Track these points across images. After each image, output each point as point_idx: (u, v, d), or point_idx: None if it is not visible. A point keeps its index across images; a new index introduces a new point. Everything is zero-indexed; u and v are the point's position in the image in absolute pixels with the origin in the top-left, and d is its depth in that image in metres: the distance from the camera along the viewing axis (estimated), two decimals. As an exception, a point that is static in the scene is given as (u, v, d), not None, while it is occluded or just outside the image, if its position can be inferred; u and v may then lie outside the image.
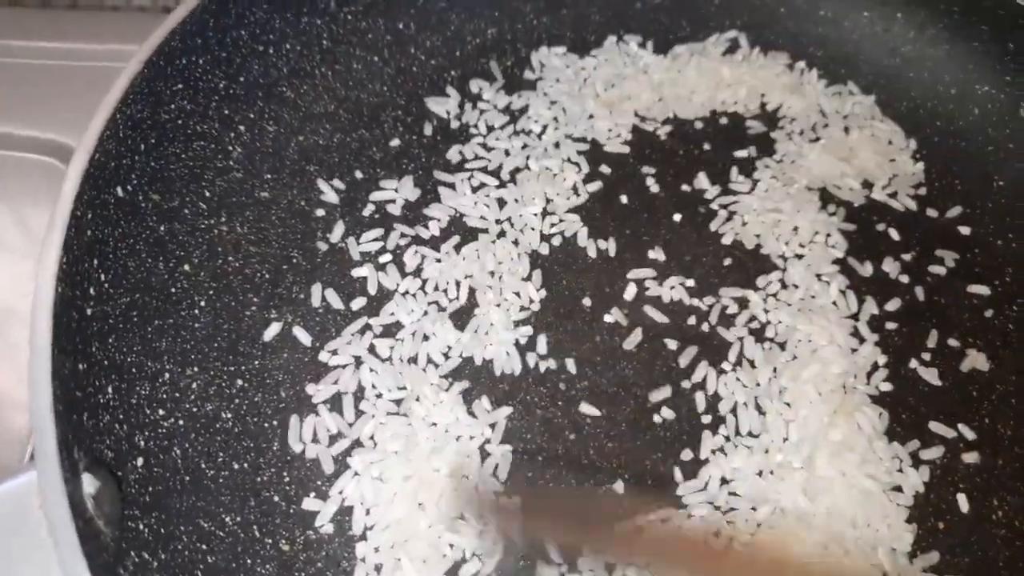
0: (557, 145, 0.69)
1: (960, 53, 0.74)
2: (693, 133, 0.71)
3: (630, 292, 0.61)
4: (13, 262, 0.70)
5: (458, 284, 0.61)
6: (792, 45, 0.77)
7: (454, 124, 0.69)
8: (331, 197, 0.64)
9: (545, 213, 0.65)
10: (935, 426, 0.57)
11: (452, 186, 0.66)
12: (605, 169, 0.68)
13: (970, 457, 0.56)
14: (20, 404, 0.62)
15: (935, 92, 0.74)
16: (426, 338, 0.58)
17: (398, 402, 0.55)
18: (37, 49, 0.81)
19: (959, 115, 0.73)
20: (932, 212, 0.68)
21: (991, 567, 0.52)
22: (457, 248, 0.63)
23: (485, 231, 0.64)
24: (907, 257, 0.65)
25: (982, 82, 0.72)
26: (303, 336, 0.58)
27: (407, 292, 0.60)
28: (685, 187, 0.67)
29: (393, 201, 0.65)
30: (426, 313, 0.59)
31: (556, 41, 0.75)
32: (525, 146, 0.69)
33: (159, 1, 0.87)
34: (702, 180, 0.68)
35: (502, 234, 0.64)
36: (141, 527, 0.44)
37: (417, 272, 0.61)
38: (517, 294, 0.61)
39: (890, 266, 0.64)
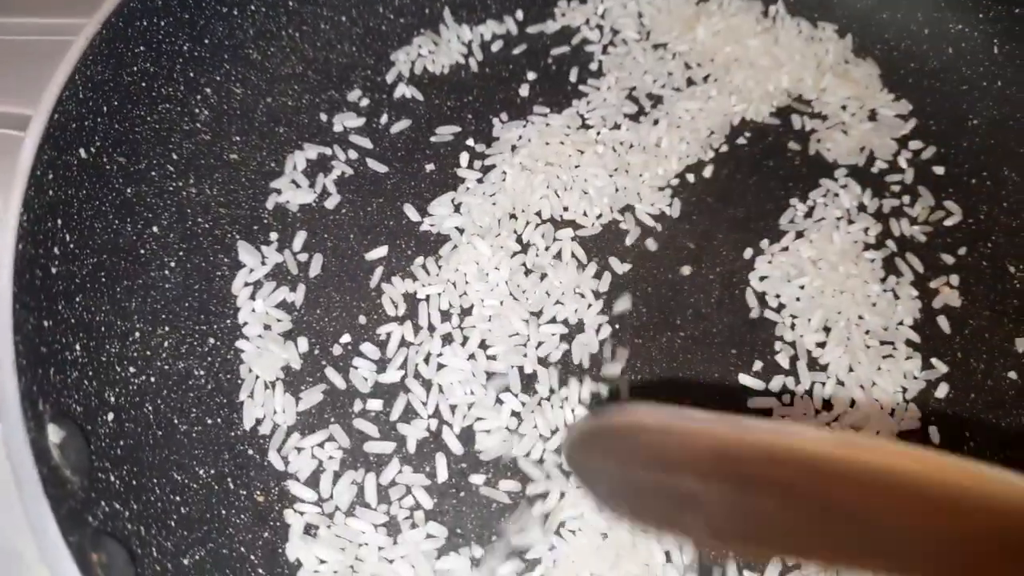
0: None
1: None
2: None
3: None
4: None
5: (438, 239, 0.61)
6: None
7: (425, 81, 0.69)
8: (300, 161, 0.64)
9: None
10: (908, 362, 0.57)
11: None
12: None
13: (941, 391, 0.56)
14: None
15: (909, 32, 0.73)
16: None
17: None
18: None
19: (933, 55, 0.72)
20: (907, 152, 0.68)
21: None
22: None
23: (467, 189, 0.64)
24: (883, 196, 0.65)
25: (955, 20, 0.72)
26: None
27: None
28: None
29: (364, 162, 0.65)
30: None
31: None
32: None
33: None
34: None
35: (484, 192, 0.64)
36: (112, 478, 0.44)
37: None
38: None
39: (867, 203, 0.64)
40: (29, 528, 0.35)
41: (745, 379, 0.56)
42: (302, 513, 0.50)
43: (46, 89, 0.49)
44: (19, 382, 0.39)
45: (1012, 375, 0.57)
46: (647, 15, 0.75)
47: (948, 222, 0.64)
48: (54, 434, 0.40)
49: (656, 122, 0.68)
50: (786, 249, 0.62)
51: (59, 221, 0.48)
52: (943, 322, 0.59)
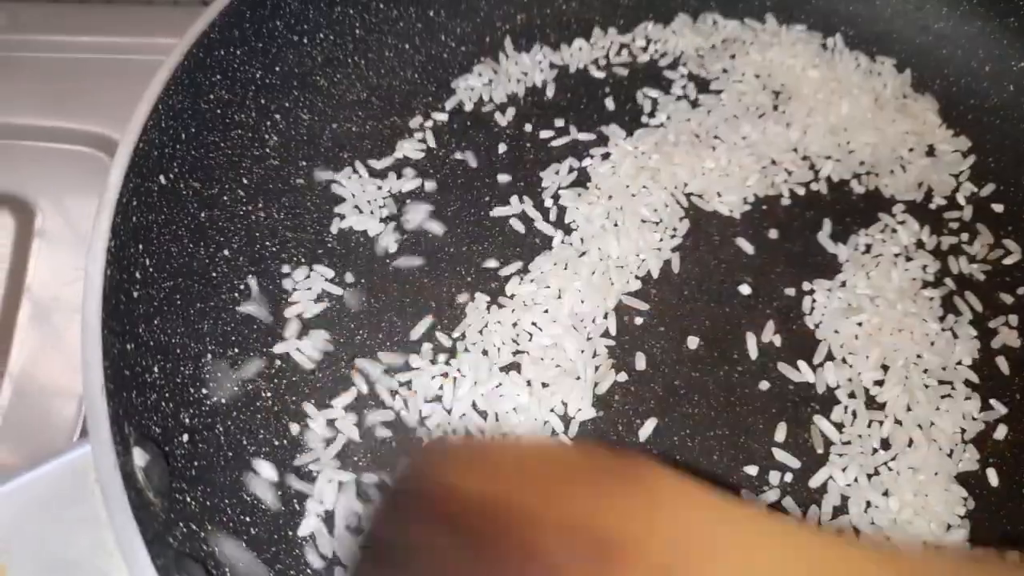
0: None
1: (994, 29, 0.73)
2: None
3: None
4: (58, 251, 0.73)
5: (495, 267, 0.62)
6: (823, 25, 0.76)
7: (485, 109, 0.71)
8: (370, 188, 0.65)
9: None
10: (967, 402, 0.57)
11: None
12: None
13: (1000, 432, 0.56)
14: (67, 391, 0.64)
15: (969, 69, 0.73)
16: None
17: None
18: (75, 43, 0.84)
19: (993, 92, 0.72)
20: (966, 189, 0.67)
21: (1020, 540, 0.52)
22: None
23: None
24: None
25: (1017, 58, 0.72)
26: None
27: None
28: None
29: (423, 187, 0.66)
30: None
31: (585, 25, 0.76)
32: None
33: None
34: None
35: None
36: (188, 499, 0.46)
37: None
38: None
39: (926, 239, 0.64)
40: (119, 551, 0.37)
41: (802, 415, 0.56)
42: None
43: (131, 117, 0.51)
44: (108, 406, 0.41)
45: (1073, 419, 0.56)
46: (700, 46, 0.75)
47: (1007, 260, 0.64)
48: (139, 457, 0.42)
49: (714, 149, 0.68)
50: (844, 285, 0.62)
51: (140, 246, 0.50)
52: (1002, 363, 0.59)
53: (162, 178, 0.52)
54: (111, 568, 0.38)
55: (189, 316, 0.53)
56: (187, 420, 0.49)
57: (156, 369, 0.48)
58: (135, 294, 0.48)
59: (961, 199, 0.67)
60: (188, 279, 0.54)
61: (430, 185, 0.66)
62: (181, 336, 0.52)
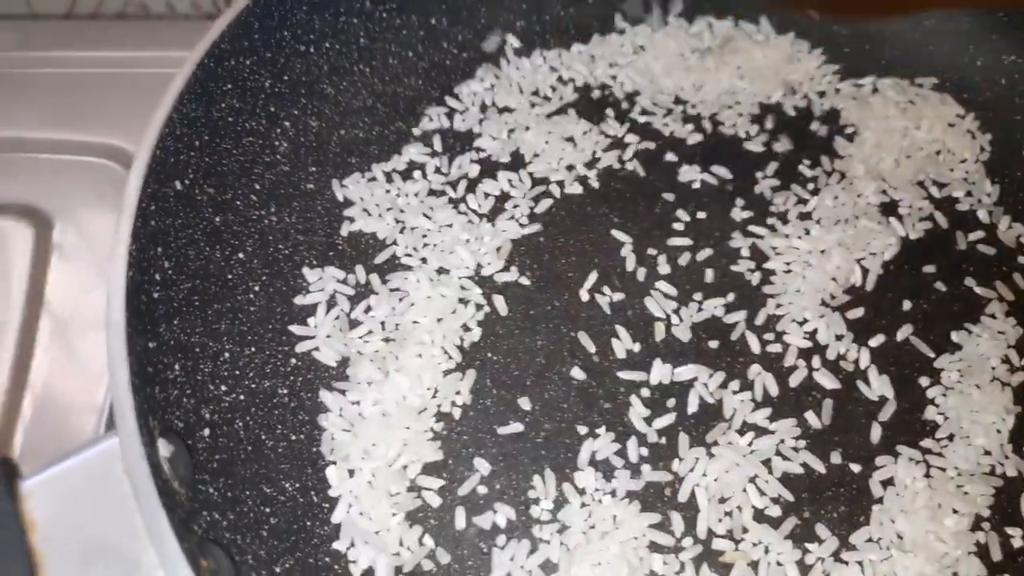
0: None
1: (986, 23, 0.74)
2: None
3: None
4: (75, 261, 0.74)
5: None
6: (816, 27, 0.78)
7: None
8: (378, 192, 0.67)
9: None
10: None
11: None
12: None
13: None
14: (86, 407, 0.66)
15: (961, 64, 0.75)
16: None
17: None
18: (89, 58, 0.86)
19: (986, 87, 0.73)
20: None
21: None
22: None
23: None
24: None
25: (1008, 52, 0.73)
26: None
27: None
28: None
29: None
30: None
31: (584, 30, 0.78)
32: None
33: (202, 8, 0.92)
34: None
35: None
36: (211, 490, 0.47)
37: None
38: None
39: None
40: (148, 536, 0.38)
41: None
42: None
43: (148, 126, 0.52)
44: (134, 399, 0.42)
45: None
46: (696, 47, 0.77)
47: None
48: (164, 448, 0.43)
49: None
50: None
51: (159, 249, 0.52)
52: None
53: (178, 184, 0.54)
54: (141, 552, 0.40)
55: (207, 316, 0.55)
56: (207, 416, 0.51)
57: (177, 367, 0.50)
58: (155, 295, 0.50)
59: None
60: (205, 281, 0.56)
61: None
62: (200, 335, 0.54)
